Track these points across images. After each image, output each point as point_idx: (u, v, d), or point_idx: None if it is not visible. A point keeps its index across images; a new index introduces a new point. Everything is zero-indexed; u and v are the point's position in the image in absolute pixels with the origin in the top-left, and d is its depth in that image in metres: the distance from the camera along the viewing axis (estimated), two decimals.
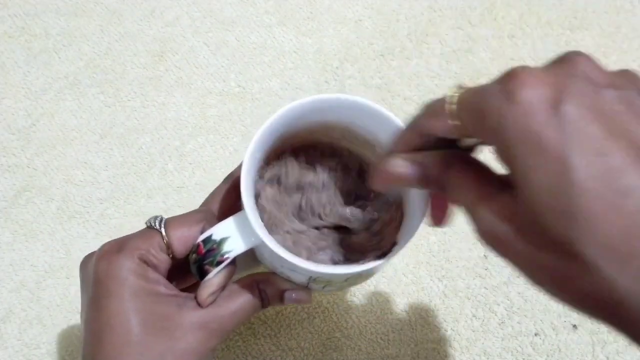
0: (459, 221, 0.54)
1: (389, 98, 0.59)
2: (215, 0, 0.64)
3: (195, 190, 0.56)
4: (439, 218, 0.36)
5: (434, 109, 0.30)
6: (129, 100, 0.59)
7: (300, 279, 0.38)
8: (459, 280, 0.52)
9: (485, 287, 0.52)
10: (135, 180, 0.56)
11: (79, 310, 0.52)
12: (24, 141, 0.57)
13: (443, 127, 0.29)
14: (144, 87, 0.60)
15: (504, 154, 0.26)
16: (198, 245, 0.37)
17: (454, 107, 0.28)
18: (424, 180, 0.31)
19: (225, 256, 0.36)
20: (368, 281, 0.52)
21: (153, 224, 0.38)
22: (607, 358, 0.50)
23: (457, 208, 0.33)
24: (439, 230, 0.54)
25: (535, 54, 0.61)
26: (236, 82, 0.60)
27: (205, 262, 0.37)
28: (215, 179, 0.56)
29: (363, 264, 0.37)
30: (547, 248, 0.25)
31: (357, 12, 0.63)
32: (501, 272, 0.53)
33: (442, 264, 0.53)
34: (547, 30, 0.63)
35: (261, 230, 0.35)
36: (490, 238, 0.28)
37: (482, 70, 0.61)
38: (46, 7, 0.63)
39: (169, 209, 0.55)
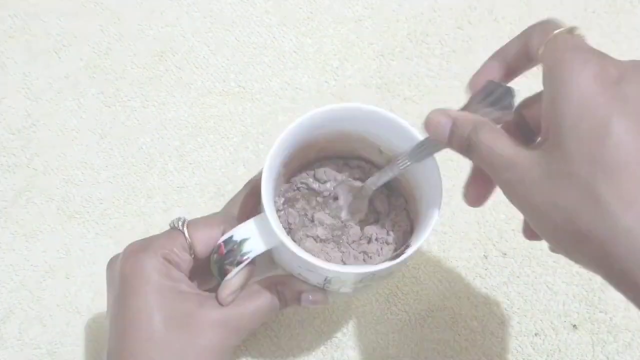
0: (459, 221, 0.54)
1: (389, 98, 0.59)
2: (215, 0, 0.64)
3: (195, 190, 0.56)
4: (477, 197, 0.38)
5: (545, 29, 0.34)
6: (129, 100, 0.59)
7: (317, 279, 0.39)
8: (458, 281, 0.52)
9: (485, 287, 0.52)
10: (135, 180, 0.56)
11: (79, 311, 0.52)
12: (24, 141, 0.57)
13: (535, 45, 0.34)
14: (144, 87, 0.60)
15: (554, 101, 0.30)
16: (219, 245, 0.38)
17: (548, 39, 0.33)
18: (452, 133, 0.34)
19: (245, 257, 0.37)
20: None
21: (176, 225, 0.39)
22: (607, 358, 0.50)
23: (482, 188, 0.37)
24: (438, 230, 0.54)
25: None
26: (236, 82, 0.60)
27: (226, 262, 0.38)
28: (215, 179, 0.56)
29: (376, 264, 0.38)
30: (570, 191, 0.29)
31: (357, 12, 0.63)
32: (501, 272, 0.53)
33: (442, 264, 0.53)
34: None
35: (280, 232, 0.36)
36: (517, 188, 0.31)
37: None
38: (46, 7, 0.63)
39: (169, 209, 0.55)
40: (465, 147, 0.34)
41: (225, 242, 0.38)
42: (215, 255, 0.39)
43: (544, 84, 0.31)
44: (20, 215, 0.54)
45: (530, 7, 0.64)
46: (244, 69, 0.61)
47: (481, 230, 0.54)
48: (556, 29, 0.32)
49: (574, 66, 0.30)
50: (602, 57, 0.30)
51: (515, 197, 0.32)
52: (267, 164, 0.38)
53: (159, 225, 0.54)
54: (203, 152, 0.57)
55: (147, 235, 0.53)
